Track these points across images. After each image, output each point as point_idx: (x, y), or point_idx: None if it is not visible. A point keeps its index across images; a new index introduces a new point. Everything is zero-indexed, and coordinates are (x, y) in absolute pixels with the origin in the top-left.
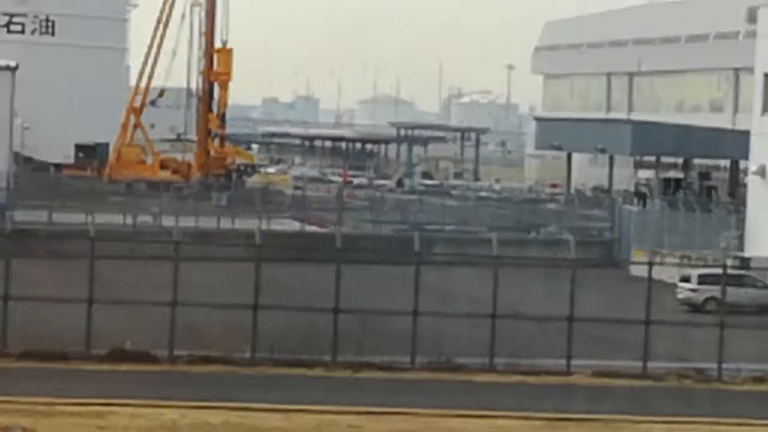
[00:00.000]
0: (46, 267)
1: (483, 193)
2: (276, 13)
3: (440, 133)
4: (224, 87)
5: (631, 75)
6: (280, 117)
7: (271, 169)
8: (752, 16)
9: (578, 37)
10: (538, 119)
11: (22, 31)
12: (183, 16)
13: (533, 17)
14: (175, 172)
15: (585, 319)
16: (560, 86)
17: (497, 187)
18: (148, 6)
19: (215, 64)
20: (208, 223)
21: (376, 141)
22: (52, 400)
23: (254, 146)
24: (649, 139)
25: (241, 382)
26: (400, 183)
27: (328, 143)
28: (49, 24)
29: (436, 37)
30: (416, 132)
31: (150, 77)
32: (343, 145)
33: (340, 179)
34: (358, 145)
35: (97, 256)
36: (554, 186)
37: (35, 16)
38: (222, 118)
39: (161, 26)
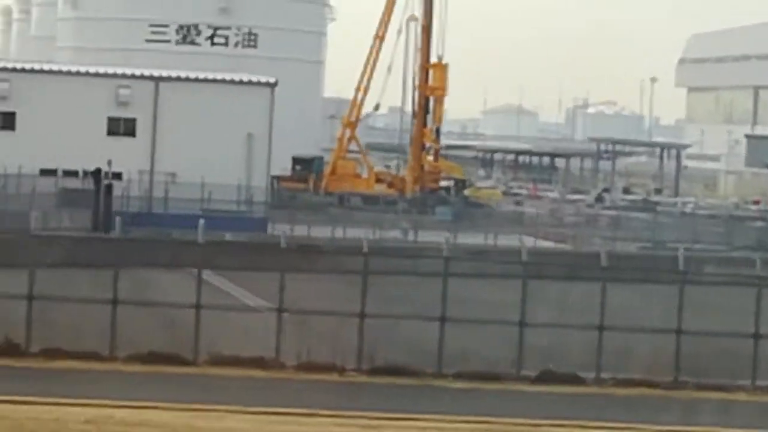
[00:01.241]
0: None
1: (688, 210)
2: None
3: (641, 149)
4: (440, 102)
5: None
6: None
7: (483, 184)
8: None
9: (724, 50)
10: (749, 137)
11: (226, 44)
12: (399, 32)
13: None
14: (390, 186)
15: None
16: (704, 99)
17: (702, 203)
18: (345, 20)
19: (431, 78)
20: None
21: (561, 155)
22: (509, 420)
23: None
24: None
25: (672, 406)
26: (599, 198)
27: (509, 156)
28: (252, 37)
29: (560, 47)
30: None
31: (365, 91)
32: (520, 157)
33: (527, 192)
34: (535, 159)
35: (393, 272)
36: (756, 203)
37: (238, 29)
38: (437, 132)
39: (377, 41)
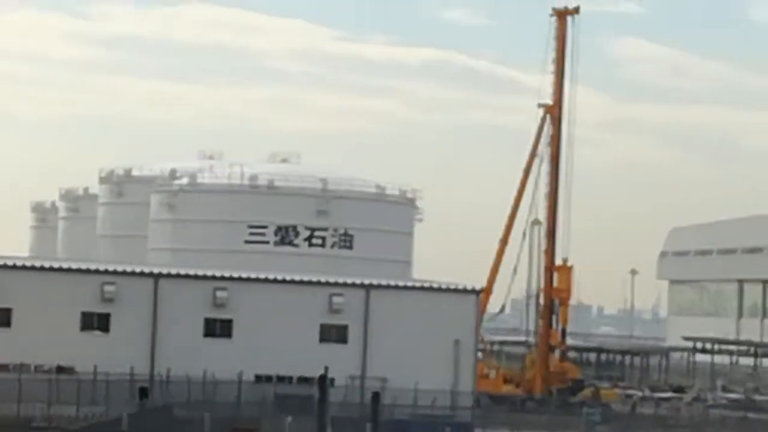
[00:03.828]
0: None
1: None
2: None
3: (732, 347)
4: (565, 303)
5: (765, 282)
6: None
7: (604, 384)
8: None
9: (707, 244)
10: None
11: (323, 245)
12: (524, 235)
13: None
14: (517, 386)
15: None
16: (688, 291)
17: None
18: (431, 219)
19: (555, 281)
20: None
21: (634, 353)
22: None
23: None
24: None
25: None
26: (698, 398)
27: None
28: (348, 238)
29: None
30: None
31: (489, 293)
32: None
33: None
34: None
35: None
36: None
37: (335, 230)
38: (563, 333)
39: (501, 245)
